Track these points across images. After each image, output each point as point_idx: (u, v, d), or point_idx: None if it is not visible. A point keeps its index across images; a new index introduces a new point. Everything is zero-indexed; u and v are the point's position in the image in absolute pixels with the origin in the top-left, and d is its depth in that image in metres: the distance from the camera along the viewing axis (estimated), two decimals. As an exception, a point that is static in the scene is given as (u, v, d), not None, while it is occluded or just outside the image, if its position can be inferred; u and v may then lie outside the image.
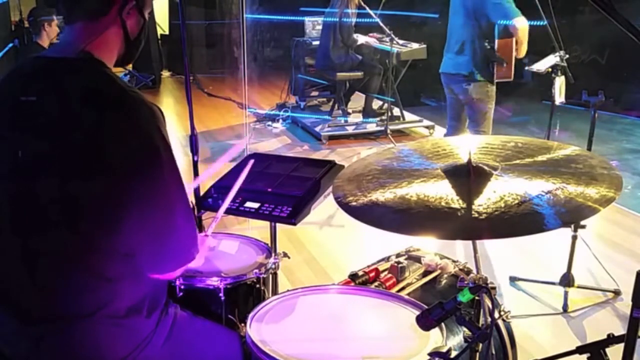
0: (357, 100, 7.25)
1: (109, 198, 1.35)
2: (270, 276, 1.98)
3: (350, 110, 7.00)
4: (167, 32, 10.30)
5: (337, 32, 6.48)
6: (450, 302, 1.36)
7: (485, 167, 1.45)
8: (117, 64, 1.54)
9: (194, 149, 2.76)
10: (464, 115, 4.29)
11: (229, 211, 1.92)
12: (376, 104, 6.90)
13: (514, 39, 3.85)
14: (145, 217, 1.38)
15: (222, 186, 2.02)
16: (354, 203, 1.45)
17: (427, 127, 6.70)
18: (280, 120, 7.04)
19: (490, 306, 1.50)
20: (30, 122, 1.40)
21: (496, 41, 3.90)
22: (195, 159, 2.77)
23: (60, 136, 1.37)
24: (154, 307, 1.50)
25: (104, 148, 1.34)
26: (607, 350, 1.57)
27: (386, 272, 2.02)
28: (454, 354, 1.39)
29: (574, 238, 3.12)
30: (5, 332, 1.48)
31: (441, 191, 1.40)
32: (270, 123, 7.04)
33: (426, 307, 1.45)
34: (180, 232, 1.45)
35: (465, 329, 1.40)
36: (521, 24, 3.79)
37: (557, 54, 3.46)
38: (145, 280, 1.47)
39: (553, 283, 3.21)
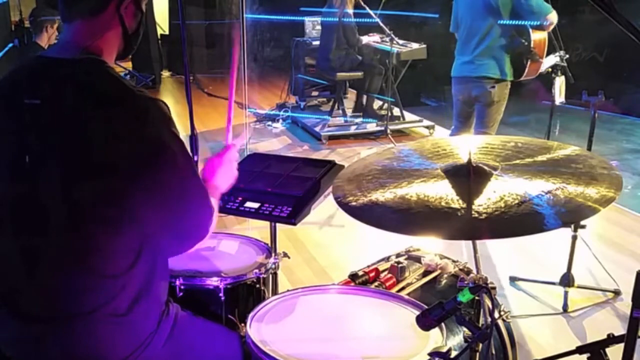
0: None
1: (117, 197, 1.35)
2: (270, 276, 1.98)
3: (349, 110, 7.01)
4: (167, 32, 10.29)
5: (341, 33, 6.48)
6: (450, 302, 1.36)
7: (485, 167, 1.45)
8: (117, 58, 1.54)
9: (194, 149, 2.76)
10: (472, 117, 4.16)
11: (229, 211, 1.92)
12: (376, 104, 6.90)
13: (546, 35, 3.73)
14: (161, 210, 1.40)
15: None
16: (354, 203, 1.45)
17: (427, 127, 6.70)
18: (280, 120, 7.04)
19: (490, 306, 1.50)
20: (34, 123, 1.39)
21: (532, 38, 3.75)
22: (195, 159, 2.78)
23: (64, 137, 1.37)
24: (155, 304, 1.51)
25: (111, 148, 1.34)
26: (607, 350, 1.57)
27: (386, 272, 2.02)
28: (454, 354, 1.39)
29: (574, 238, 3.12)
30: (6, 331, 1.48)
31: (441, 191, 1.40)
32: (270, 123, 7.04)
33: (426, 307, 1.45)
34: (198, 215, 1.47)
35: (465, 329, 1.40)
36: (553, 19, 3.67)
37: (557, 53, 3.47)
38: (148, 277, 1.47)
39: (553, 283, 3.21)
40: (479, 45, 3.92)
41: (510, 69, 3.87)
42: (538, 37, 3.75)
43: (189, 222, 1.47)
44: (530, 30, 3.75)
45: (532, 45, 3.76)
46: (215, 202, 1.56)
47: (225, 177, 1.71)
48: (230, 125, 1.83)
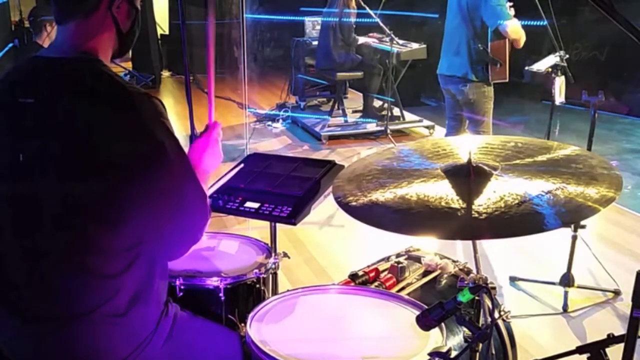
0: (358, 100, 7.25)
1: (115, 196, 1.35)
2: (270, 276, 1.98)
3: (350, 112, 7.01)
4: (167, 32, 10.29)
5: (338, 32, 6.48)
6: (450, 302, 1.36)
7: (485, 167, 1.45)
8: (113, 57, 1.54)
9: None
10: (463, 116, 4.30)
11: (229, 211, 1.92)
12: (376, 103, 6.90)
13: (507, 40, 3.89)
14: (157, 209, 1.39)
15: (221, 186, 2.02)
16: (354, 203, 1.45)
17: (427, 127, 6.70)
18: (280, 120, 7.04)
19: (490, 306, 1.50)
20: (31, 123, 1.40)
21: (489, 43, 3.93)
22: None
23: (61, 137, 1.37)
24: (153, 302, 1.51)
25: (107, 147, 1.34)
26: (607, 350, 1.57)
27: (386, 272, 2.02)
28: (454, 354, 1.39)
29: (574, 238, 3.13)
30: (5, 331, 1.48)
31: (441, 191, 1.40)
32: (270, 123, 7.04)
33: (426, 307, 1.45)
34: (194, 214, 1.47)
35: (465, 329, 1.40)
36: (511, 27, 3.82)
37: (557, 54, 3.47)
38: (147, 276, 1.47)
39: (553, 283, 3.21)
40: (451, 45, 4.16)
41: (477, 71, 4.02)
42: (497, 43, 3.92)
43: (183, 223, 1.45)
44: (490, 36, 3.92)
45: (489, 51, 3.93)
46: (205, 187, 1.56)
47: (212, 159, 1.69)
48: (212, 105, 1.83)
